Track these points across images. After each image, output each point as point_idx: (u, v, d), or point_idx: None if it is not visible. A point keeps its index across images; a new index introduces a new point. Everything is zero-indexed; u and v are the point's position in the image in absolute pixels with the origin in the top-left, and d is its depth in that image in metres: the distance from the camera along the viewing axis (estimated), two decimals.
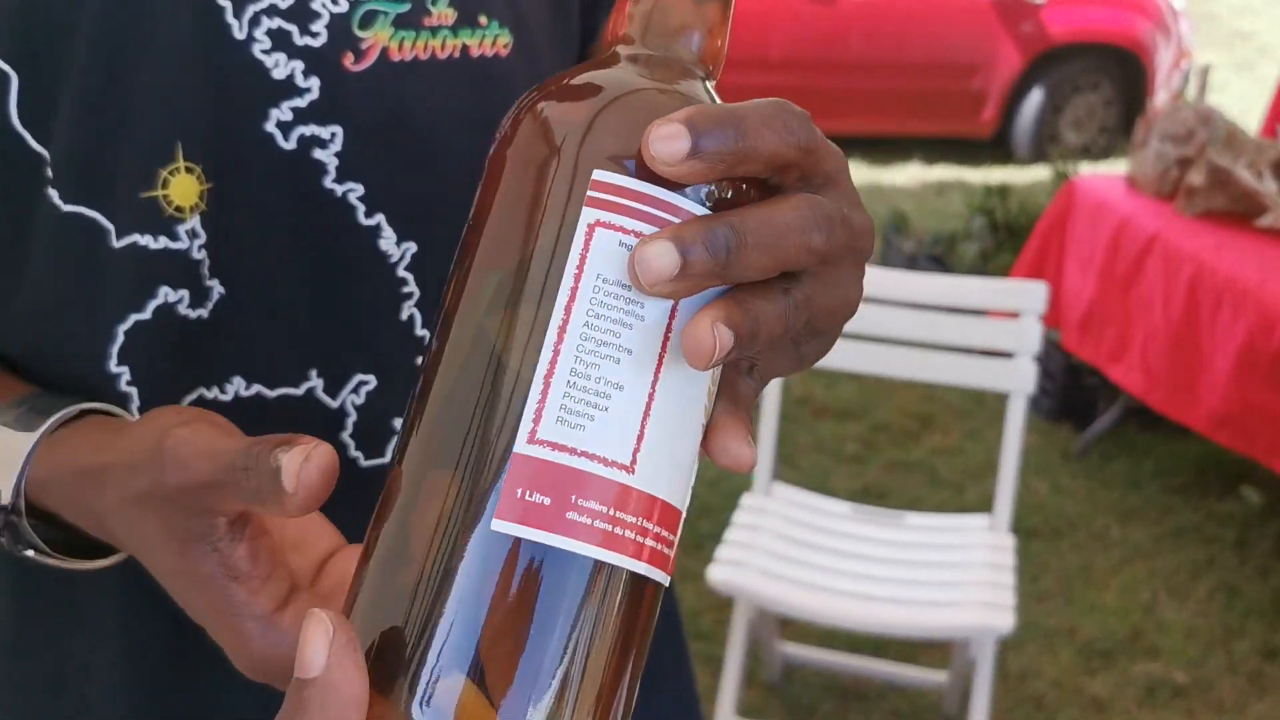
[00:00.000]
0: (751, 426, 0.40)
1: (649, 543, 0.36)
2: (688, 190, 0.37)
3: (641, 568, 0.36)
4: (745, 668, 2.05)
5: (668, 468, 0.37)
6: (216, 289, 0.55)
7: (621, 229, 0.36)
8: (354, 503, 0.56)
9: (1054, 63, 6.15)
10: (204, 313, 0.55)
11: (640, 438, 0.36)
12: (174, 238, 0.54)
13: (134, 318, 0.54)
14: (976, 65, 6.07)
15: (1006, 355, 2.09)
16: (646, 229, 0.36)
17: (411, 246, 0.58)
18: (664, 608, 0.40)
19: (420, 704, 0.34)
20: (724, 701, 1.98)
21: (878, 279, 2.19)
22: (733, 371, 0.40)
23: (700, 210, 0.37)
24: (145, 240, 0.54)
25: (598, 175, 0.37)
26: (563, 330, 0.36)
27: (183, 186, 0.53)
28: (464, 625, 0.34)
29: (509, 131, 0.40)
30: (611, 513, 0.35)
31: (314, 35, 0.54)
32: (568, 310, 0.36)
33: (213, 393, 0.57)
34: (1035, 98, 6.16)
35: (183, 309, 0.55)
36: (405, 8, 0.55)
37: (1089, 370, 3.13)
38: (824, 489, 2.56)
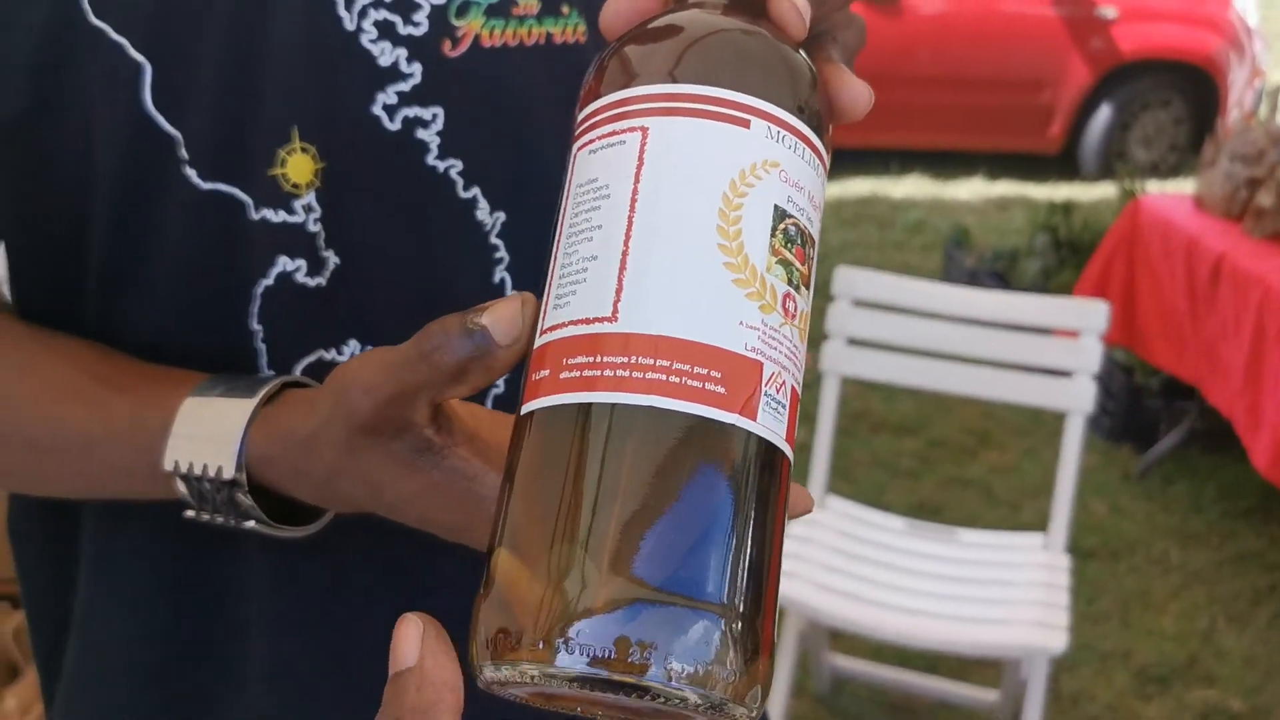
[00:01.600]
0: (851, 72, 0.44)
1: (653, 376, 0.36)
2: (654, 83, 0.40)
3: (649, 400, 0.36)
4: (794, 678, 2.06)
5: (669, 307, 0.37)
6: (332, 259, 0.60)
7: (591, 141, 0.41)
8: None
9: (1124, 79, 6.07)
10: (322, 281, 0.60)
11: (619, 289, 0.38)
12: (291, 212, 0.59)
13: (263, 282, 0.60)
14: (1045, 80, 6.01)
15: (1066, 374, 2.08)
16: (609, 128, 0.40)
17: (502, 216, 0.63)
18: None
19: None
20: (773, 711, 1.98)
21: (938, 294, 2.20)
22: (819, 46, 0.45)
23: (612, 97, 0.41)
24: (270, 214, 0.59)
25: (583, 113, 0.42)
26: (556, 243, 0.41)
27: (298, 165, 0.59)
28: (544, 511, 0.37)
29: (593, 81, 0.43)
30: (598, 359, 0.37)
31: (416, 25, 0.59)
32: (559, 226, 0.41)
33: (330, 354, 0.61)
34: (1104, 114, 6.09)
35: (300, 277, 0.60)
36: None
37: (1151, 391, 3.10)
38: (879, 503, 2.56)
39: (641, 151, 0.39)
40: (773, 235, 0.39)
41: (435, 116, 0.60)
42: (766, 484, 0.38)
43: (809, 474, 2.17)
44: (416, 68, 0.59)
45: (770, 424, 0.38)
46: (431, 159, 0.61)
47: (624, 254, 0.38)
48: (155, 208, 0.59)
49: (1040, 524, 2.13)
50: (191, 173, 0.58)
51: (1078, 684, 2.43)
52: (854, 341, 2.17)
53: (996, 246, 4.30)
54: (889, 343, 2.16)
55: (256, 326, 0.61)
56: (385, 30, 0.59)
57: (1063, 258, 3.95)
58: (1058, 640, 1.82)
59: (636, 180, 0.39)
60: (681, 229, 0.38)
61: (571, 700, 0.36)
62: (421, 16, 0.59)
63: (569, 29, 0.63)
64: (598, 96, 0.42)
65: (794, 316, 0.39)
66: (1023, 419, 3.47)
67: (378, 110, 0.59)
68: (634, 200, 0.39)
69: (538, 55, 0.62)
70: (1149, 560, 2.89)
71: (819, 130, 0.42)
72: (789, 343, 0.39)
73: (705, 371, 0.37)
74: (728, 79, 0.40)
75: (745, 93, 0.40)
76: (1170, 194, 3.44)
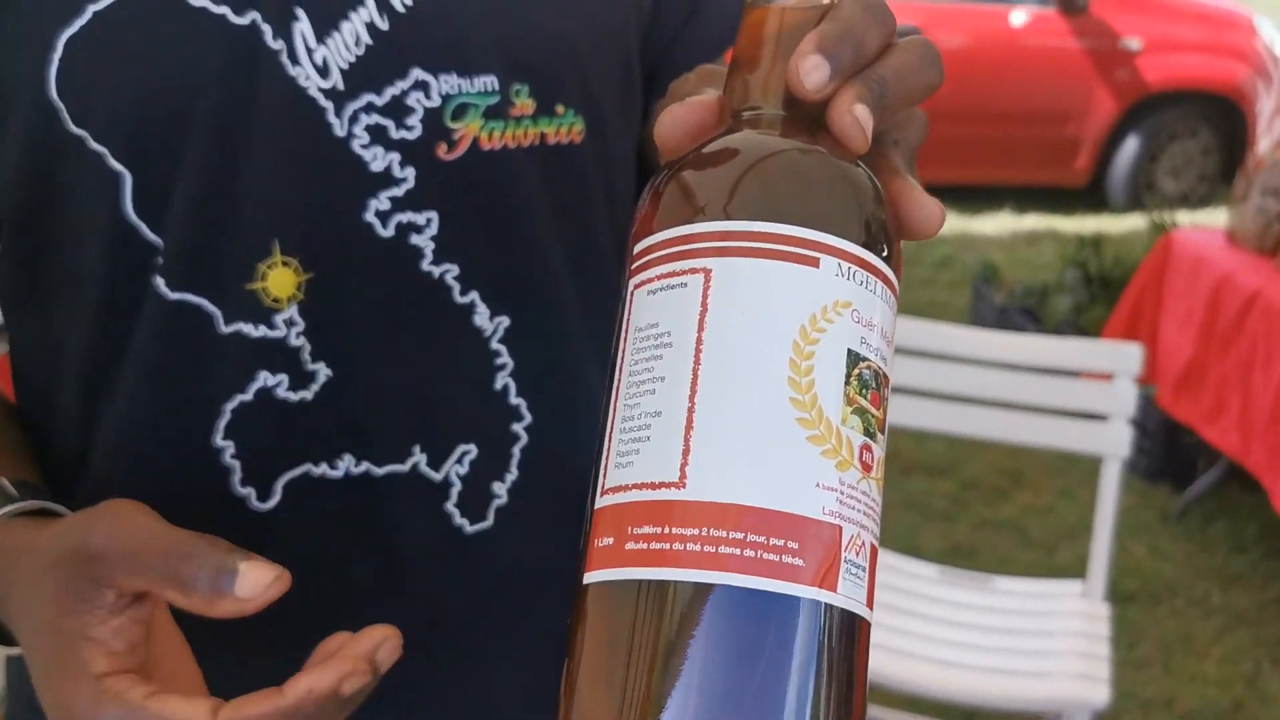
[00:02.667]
0: (919, 185, 0.43)
1: (726, 550, 0.34)
2: (701, 217, 0.38)
3: (723, 578, 0.34)
4: None
5: (741, 472, 0.35)
6: (323, 371, 0.58)
7: (650, 280, 0.39)
8: (460, 570, 0.60)
9: (1150, 110, 6.03)
10: (307, 395, 0.58)
11: (686, 452, 0.35)
12: (272, 326, 0.57)
13: (238, 398, 0.58)
14: (1070, 113, 5.98)
15: (1100, 418, 2.04)
16: (669, 268, 0.38)
17: (504, 320, 0.61)
18: None
19: None
20: None
21: (966, 338, 2.17)
22: (882, 154, 0.43)
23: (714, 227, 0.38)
24: (248, 328, 0.57)
25: (639, 246, 0.40)
26: (615, 389, 0.38)
27: (280, 279, 0.57)
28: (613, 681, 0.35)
29: (648, 208, 0.41)
30: (666, 530, 0.35)
31: (409, 129, 0.57)
32: (618, 369, 0.39)
33: (320, 469, 0.59)
34: (1131, 146, 6.05)
35: (282, 391, 0.58)
36: (495, 100, 0.58)
37: (1188, 429, 3.04)
38: (911, 547, 2.52)
39: (705, 297, 0.37)
40: (847, 383, 0.37)
41: (429, 221, 0.58)
42: (848, 656, 0.36)
43: None
44: (410, 172, 0.58)
45: (851, 592, 0.36)
46: (426, 264, 0.59)
47: (690, 411, 0.36)
48: (132, 314, 0.58)
49: (1077, 565, 2.09)
50: (160, 281, 0.57)
51: None
52: None
53: (1026, 282, 4.26)
54: (914, 387, 2.13)
55: (223, 443, 0.59)
56: (377, 135, 0.57)
57: (1094, 293, 3.90)
58: (1100, 693, 1.78)
59: (700, 329, 0.36)
60: (751, 383, 0.36)
61: None
62: (415, 120, 0.57)
63: (564, 129, 0.61)
64: (652, 230, 0.40)
65: (872, 469, 0.37)
66: (1056, 458, 3.42)
67: (370, 217, 0.57)
68: (698, 351, 0.36)
69: (532, 157, 0.61)
70: (1190, 603, 2.83)
71: (889, 256, 0.40)
72: (867, 498, 0.37)
73: (782, 543, 0.34)
74: (791, 213, 0.38)
75: (811, 227, 0.37)
76: (1202, 228, 3.40)
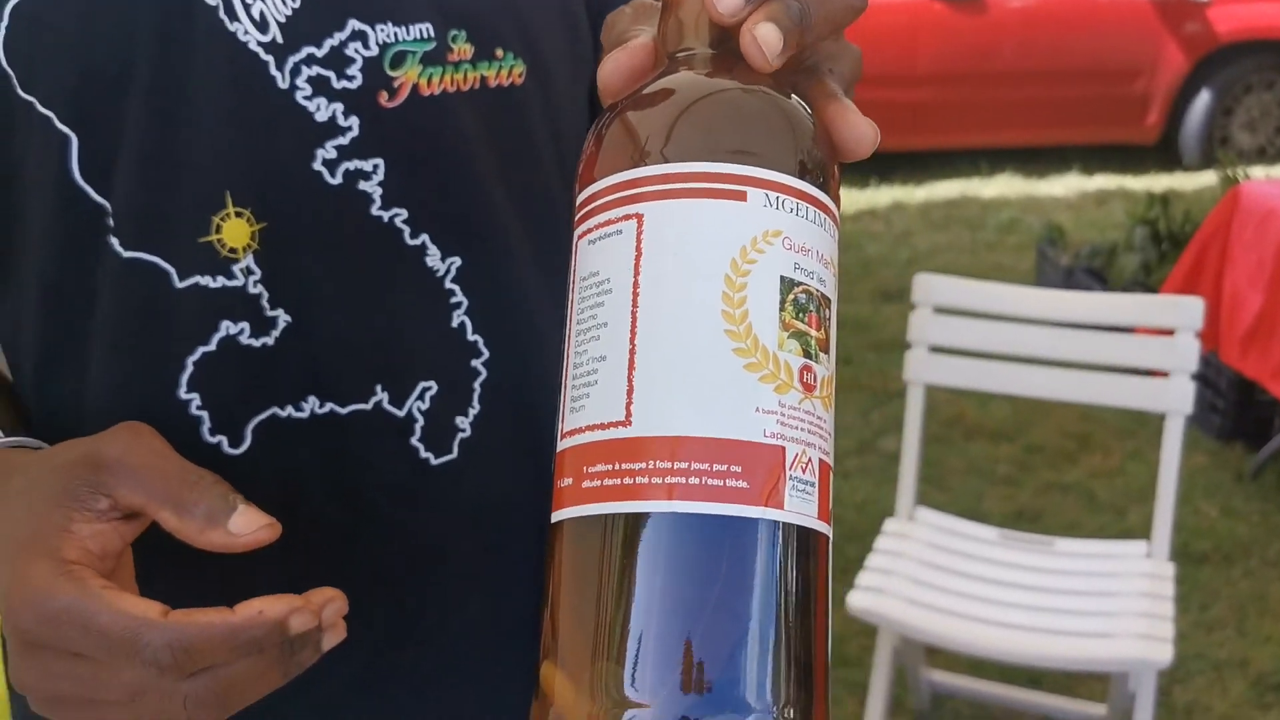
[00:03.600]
0: (853, 107, 0.43)
1: (673, 480, 0.36)
2: (645, 164, 0.39)
3: (673, 506, 0.36)
4: (891, 696, 2.01)
5: (681, 405, 0.37)
6: (282, 317, 0.60)
7: (589, 229, 0.41)
8: (428, 502, 0.64)
9: (1222, 63, 5.86)
10: (269, 340, 0.60)
11: (629, 391, 0.37)
12: (230, 276, 0.59)
13: (200, 350, 0.60)
14: (1138, 69, 5.83)
15: (1162, 375, 2.00)
16: (605, 216, 0.40)
17: (456, 260, 0.63)
18: None
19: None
20: None
21: (1027, 298, 2.13)
22: (814, 82, 0.44)
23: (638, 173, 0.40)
24: (205, 280, 0.59)
25: (579, 198, 0.42)
26: (568, 338, 0.40)
27: (234, 230, 0.58)
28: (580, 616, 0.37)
29: (589, 156, 0.42)
30: (616, 466, 0.37)
31: (350, 79, 0.59)
32: (569, 319, 0.41)
33: (287, 411, 0.61)
34: (1203, 100, 5.88)
35: (245, 339, 0.60)
36: (431, 46, 0.60)
37: (1261, 387, 2.97)
38: (975, 512, 2.49)
39: (638, 241, 0.38)
40: (782, 309, 0.38)
41: (376, 168, 0.60)
42: (804, 568, 0.37)
43: (897, 486, 2.12)
44: (354, 120, 0.59)
45: (800, 508, 0.37)
46: (375, 209, 0.60)
47: (631, 352, 0.37)
48: (86, 278, 0.59)
49: (1146, 528, 2.05)
50: (114, 241, 0.58)
51: (1191, 695, 2.33)
52: (937, 349, 2.12)
53: (1094, 242, 4.17)
54: (973, 349, 2.11)
55: (188, 395, 0.60)
56: (320, 86, 0.58)
57: (1164, 251, 3.81)
58: (1163, 652, 1.75)
59: (636, 273, 0.38)
60: (686, 320, 0.37)
61: None
62: (355, 70, 0.59)
63: (504, 72, 0.63)
64: (592, 179, 0.41)
65: (814, 388, 0.38)
66: (1125, 420, 3.36)
67: (318, 166, 0.59)
68: (635, 294, 0.38)
69: (474, 100, 0.62)
70: (1264, 563, 2.76)
71: (824, 181, 0.41)
72: (811, 417, 0.38)
73: (725, 468, 0.36)
74: (717, 150, 0.39)
75: (737, 163, 0.39)
76: (1274, 179, 3.30)
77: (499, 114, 0.63)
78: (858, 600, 1.87)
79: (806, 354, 0.38)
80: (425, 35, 0.60)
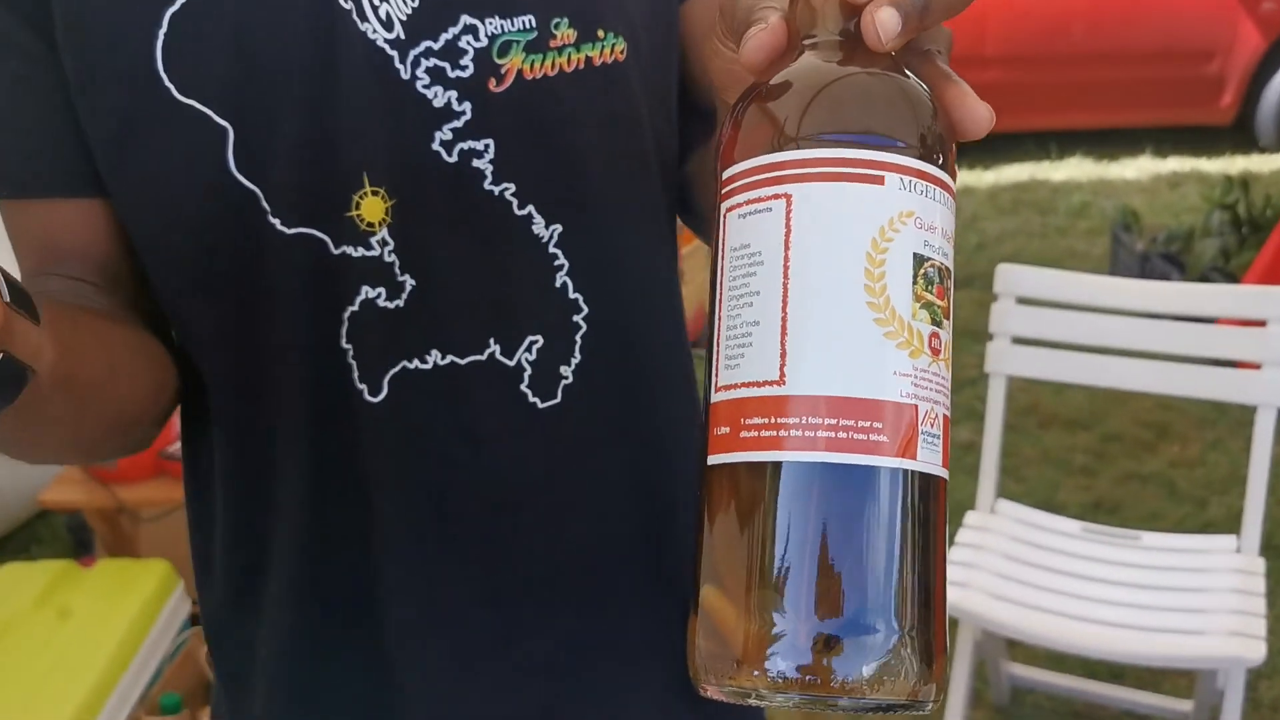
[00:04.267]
0: (968, 88, 0.47)
1: (823, 434, 0.41)
2: (790, 148, 0.44)
3: (822, 456, 0.41)
4: (972, 689, 2.00)
5: (830, 368, 0.42)
6: (409, 282, 0.68)
7: (738, 205, 0.45)
8: (538, 442, 0.73)
9: None
10: (400, 302, 0.68)
11: (783, 355, 0.42)
12: (369, 247, 0.67)
13: (349, 309, 0.68)
14: (1213, 49, 5.70)
15: (1252, 365, 1.96)
16: (755, 194, 0.44)
17: (558, 227, 0.70)
18: None
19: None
20: None
21: (1107, 286, 2.10)
22: (927, 61, 0.48)
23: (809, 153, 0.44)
24: (350, 250, 0.67)
25: (726, 173, 0.46)
26: (719, 301, 0.45)
27: (371, 206, 0.66)
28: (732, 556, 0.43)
29: (730, 134, 0.47)
30: (772, 420, 0.42)
31: (463, 68, 0.66)
32: (718, 284, 0.46)
33: (414, 363, 0.69)
34: None
35: (381, 302, 0.68)
36: (534, 35, 0.67)
37: None
38: (1052, 503, 2.46)
39: (788, 219, 0.43)
40: (914, 282, 0.43)
41: (487, 147, 0.67)
42: (929, 509, 0.43)
43: (978, 479, 2.10)
44: (467, 105, 0.66)
45: (928, 457, 0.43)
46: (488, 184, 0.68)
47: (783, 319, 0.43)
48: (243, 256, 0.67)
49: (1228, 520, 2.02)
50: (275, 221, 0.66)
51: (1279, 691, 2.29)
52: (1019, 340, 2.09)
53: (1170, 227, 4.09)
54: (1056, 340, 2.08)
55: (346, 345, 0.68)
56: (436, 75, 0.66)
57: (1243, 236, 3.73)
58: (1256, 650, 1.72)
59: (786, 248, 0.43)
60: (832, 292, 0.42)
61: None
62: (467, 60, 0.66)
63: (607, 50, 0.69)
64: (735, 160, 0.46)
65: (940, 352, 0.44)
66: (1205, 409, 3.30)
67: (436, 147, 0.66)
68: (786, 267, 0.43)
69: (578, 79, 0.68)
70: None
71: (945, 161, 0.45)
72: (938, 378, 0.44)
73: (868, 424, 0.42)
74: (855, 137, 0.43)
75: (873, 149, 0.43)
76: None
77: (604, 90, 0.70)
78: None
79: (934, 322, 0.43)
80: (528, 26, 0.67)
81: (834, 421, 0.41)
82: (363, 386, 0.69)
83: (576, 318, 0.72)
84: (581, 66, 0.68)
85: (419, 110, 0.65)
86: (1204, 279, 3.48)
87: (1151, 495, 2.99)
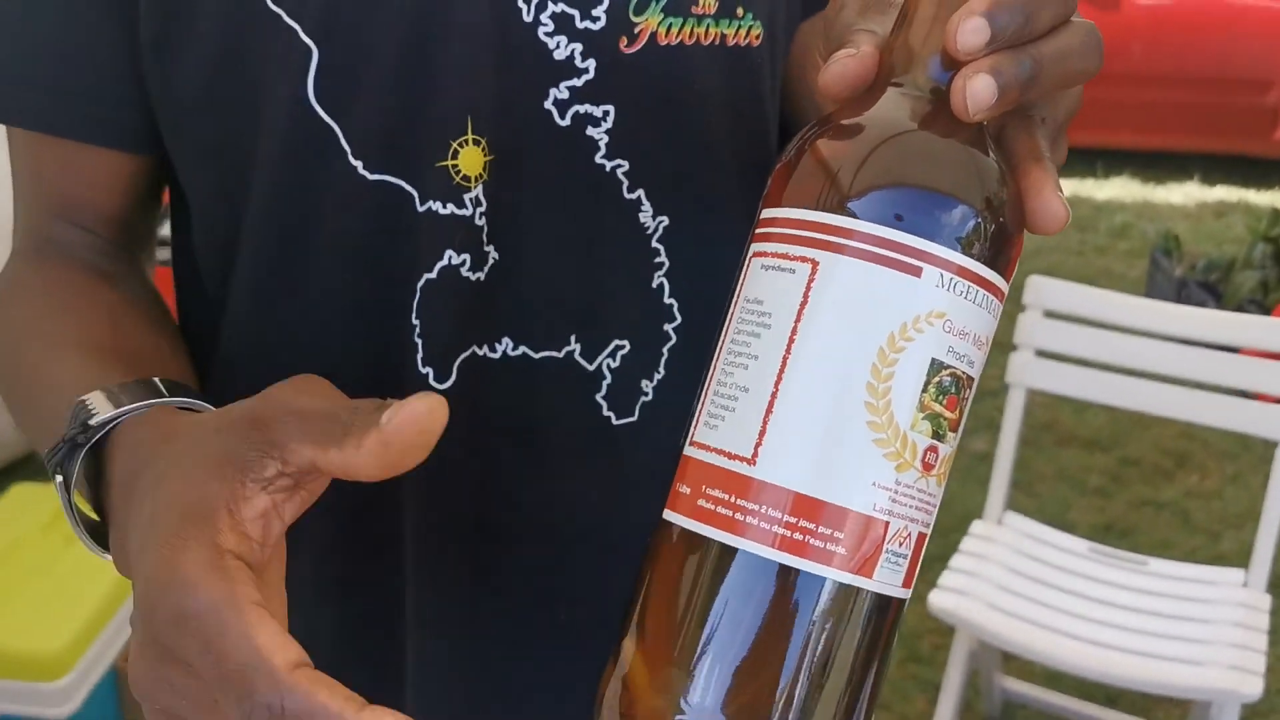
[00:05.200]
0: (1056, 176, 0.41)
1: (778, 530, 0.38)
2: (829, 211, 0.40)
3: (770, 554, 0.38)
4: (963, 698, 1.99)
5: (804, 462, 0.38)
6: (492, 254, 0.59)
7: (765, 254, 0.41)
8: (607, 460, 0.64)
9: None
10: (481, 276, 0.59)
11: (762, 433, 0.39)
12: (460, 205, 0.58)
13: (425, 276, 0.59)
14: (1272, 80, 5.61)
15: (1275, 399, 1.93)
16: (783, 248, 0.40)
17: (665, 220, 0.62)
18: None
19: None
20: None
21: (1140, 308, 2.07)
22: (1026, 130, 0.42)
23: (824, 219, 0.40)
24: (437, 206, 0.58)
25: (765, 214, 0.42)
26: (719, 346, 0.42)
27: (470, 157, 0.58)
28: (660, 610, 0.41)
29: (781, 171, 0.43)
30: (733, 499, 0.39)
31: (594, 19, 0.57)
32: (724, 328, 0.42)
33: (483, 350, 0.61)
34: None
35: (465, 271, 0.59)
36: None
37: None
38: (1062, 521, 2.44)
39: (807, 289, 0.39)
40: (924, 390, 0.39)
41: (606, 114, 0.59)
42: (873, 629, 0.40)
43: (988, 489, 2.09)
44: (591, 63, 0.58)
45: (887, 578, 0.39)
46: (599, 157, 0.59)
47: (772, 396, 0.39)
48: (314, 199, 0.58)
49: (1240, 555, 2.00)
50: (357, 164, 0.57)
51: None
52: (1043, 354, 2.07)
53: (1210, 256, 4.04)
54: (1081, 357, 2.06)
55: (415, 320, 0.59)
56: (563, 24, 0.57)
57: None
58: (1253, 685, 1.70)
59: (797, 319, 0.39)
60: (831, 382, 0.39)
61: None
62: (600, 11, 0.57)
63: (743, 31, 0.61)
64: (778, 203, 0.42)
65: (933, 467, 0.40)
66: (1227, 441, 3.26)
67: (549, 105, 0.58)
68: (791, 341, 0.39)
69: (712, 55, 0.61)
70: None
71: (1000, 260, 0.40)
72: (923, 495, 0.40)
73: (829, 532, 0.38)
74: (902, 217, 0.39)
75: (918, 234, 0.39)
76: None
77: (734, 73, 0.62)
78: (938, 600, 1.84)
79: (936, 434, 0.39)
80: None
81: (794, 520, 0.38)
82: (427, 370, 0.60)
83: (668, 327, 0.63)
84: (716, 42, 0.60)
85: (536, 60, 0.57)
86: (1239, 310, 3.44)
87: (1165, 523, 2.96)
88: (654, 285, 0.63)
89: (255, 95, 0.57)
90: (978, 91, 0.39)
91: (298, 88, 0.56)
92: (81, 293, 0.62)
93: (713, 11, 0.60)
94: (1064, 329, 2.06)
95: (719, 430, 0.40)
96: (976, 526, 2.06)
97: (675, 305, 0.63)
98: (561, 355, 0.61)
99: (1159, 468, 3.21)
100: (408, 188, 0.58)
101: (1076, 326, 2.06)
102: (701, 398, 0.42)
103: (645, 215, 0.61)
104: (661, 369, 0.64)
